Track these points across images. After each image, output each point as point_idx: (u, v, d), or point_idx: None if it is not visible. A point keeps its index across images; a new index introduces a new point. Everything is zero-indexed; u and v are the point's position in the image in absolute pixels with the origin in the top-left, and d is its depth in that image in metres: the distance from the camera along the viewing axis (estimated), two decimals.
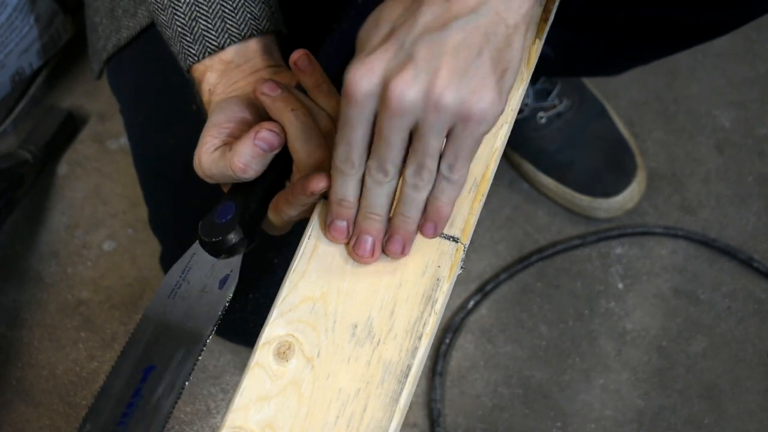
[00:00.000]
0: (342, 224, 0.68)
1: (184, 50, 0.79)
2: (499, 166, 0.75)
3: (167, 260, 1.15)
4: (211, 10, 0.79)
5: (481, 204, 0.72)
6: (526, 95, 1.40)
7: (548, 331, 1.35)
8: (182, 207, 1.05)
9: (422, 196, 0.65)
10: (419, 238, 0.69)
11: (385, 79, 0.59)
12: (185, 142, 0.76)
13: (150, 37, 0.99)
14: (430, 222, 0.66)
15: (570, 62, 1.27)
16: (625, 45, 1.15)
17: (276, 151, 0.70)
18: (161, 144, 1.03)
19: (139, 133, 1.07)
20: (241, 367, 1.31)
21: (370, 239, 0.67)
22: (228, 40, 0.79)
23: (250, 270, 1.07)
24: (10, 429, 1.28)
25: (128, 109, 1.08)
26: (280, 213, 0.72)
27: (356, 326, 0.65)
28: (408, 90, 0.59)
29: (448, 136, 0.61)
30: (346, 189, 0.66)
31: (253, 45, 0.80)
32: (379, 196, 0.65)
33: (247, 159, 0.69)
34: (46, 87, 1.51)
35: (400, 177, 0.64)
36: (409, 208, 0.66)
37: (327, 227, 0.68)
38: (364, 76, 0.60)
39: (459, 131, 0.61)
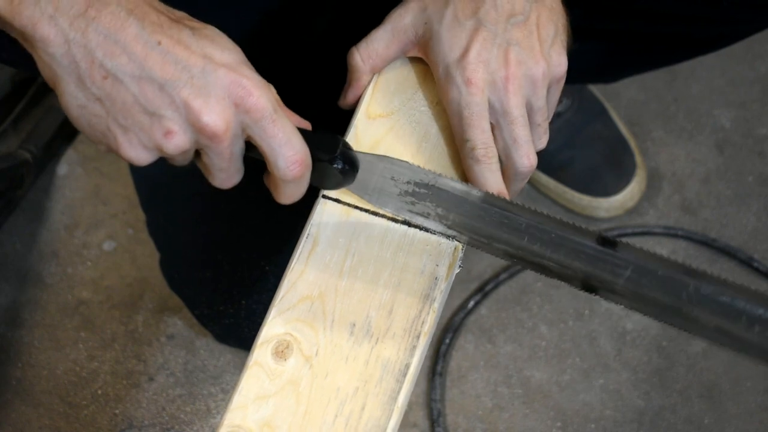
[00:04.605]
0: None
1: None
2: None
3: (166, 265, 1.16)
4: None
5: None
6: None
7: (548, 331, 1.35)
8: (178, 214, 1.05)
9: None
10: (419, 238, 0.69)
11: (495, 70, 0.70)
12: None
13: None
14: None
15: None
16: (622, 55, 1.15)
17: None
18: None
19: None
20: (241, 366, 1.31)
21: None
22: None
23: (243, 277, 1.07)
24: (10, 429, 1.28)
25: None
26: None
27: (354, 325, 0.65)
28: (518, 70, 0.71)
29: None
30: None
31: None
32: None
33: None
34: (46, 87, 1.51)
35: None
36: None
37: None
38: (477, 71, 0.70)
39: (553, 90, 0.74)
